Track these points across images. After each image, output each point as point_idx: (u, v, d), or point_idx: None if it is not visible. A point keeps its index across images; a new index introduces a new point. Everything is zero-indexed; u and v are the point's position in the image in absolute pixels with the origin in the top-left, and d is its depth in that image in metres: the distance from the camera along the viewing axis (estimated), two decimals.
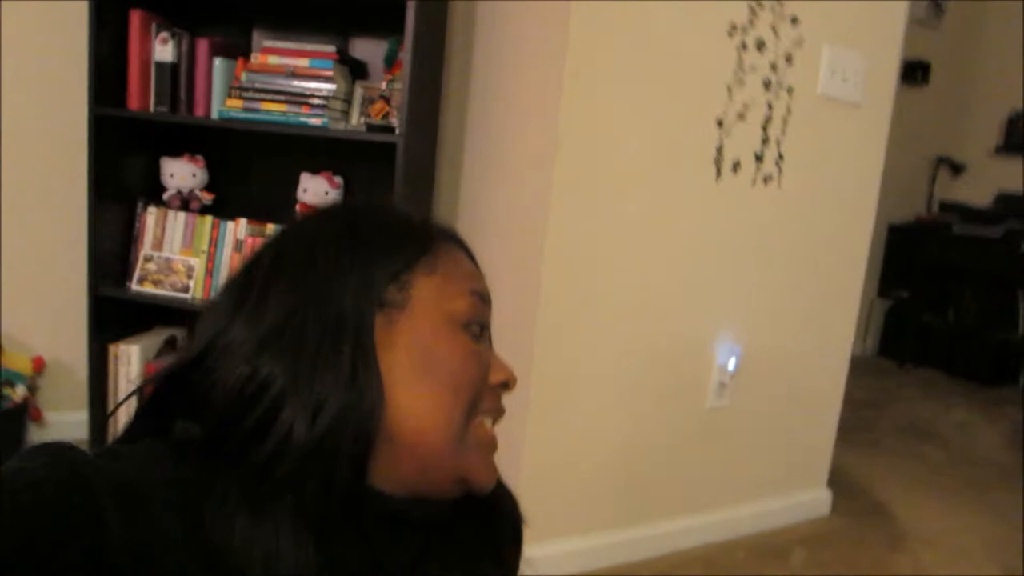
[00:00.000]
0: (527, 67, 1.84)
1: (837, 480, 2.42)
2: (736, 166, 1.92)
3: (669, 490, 2.06)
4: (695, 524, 2.07)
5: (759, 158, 1.95)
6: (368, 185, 2.15)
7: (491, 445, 0.56)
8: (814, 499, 2.35)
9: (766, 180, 1.98)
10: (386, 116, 1.89)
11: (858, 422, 2.37)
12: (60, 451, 0.42)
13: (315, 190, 2.09)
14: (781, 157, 1.98)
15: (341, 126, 1.96)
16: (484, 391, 0.55)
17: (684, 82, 1.80)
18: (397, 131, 1.83)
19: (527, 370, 1.77)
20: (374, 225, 0.56)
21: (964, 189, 4.40)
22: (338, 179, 2.12)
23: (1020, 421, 3.61)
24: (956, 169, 4.44)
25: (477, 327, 0.55)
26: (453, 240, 0.60)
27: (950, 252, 4.16)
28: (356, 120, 2.00)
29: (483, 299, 0.56)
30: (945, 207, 4.30)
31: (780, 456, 2.25)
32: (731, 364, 2.05)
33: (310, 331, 0.49)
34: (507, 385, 0.57)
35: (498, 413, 0.57)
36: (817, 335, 2.24)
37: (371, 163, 2.14)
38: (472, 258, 0.61)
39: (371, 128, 1.89)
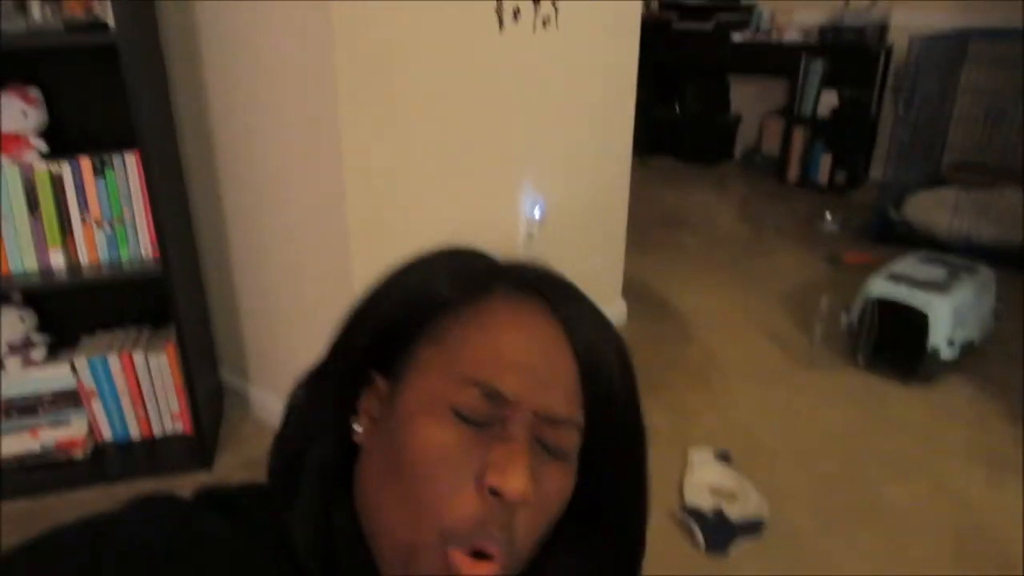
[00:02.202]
0: None
1: (624, 287, 2.66)
2: (516, 13, 1.80)
3: None
4: None
5: (536, 0, 1.85)
6: (80, 93, 1.70)
7: None
8: (614, 313, 2.59)
9: (545, 23, 1.90)
10: (89, 9, 1.45)
11: None
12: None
13: (8, 113, 1.61)
14: None
15: (22, 25, 1.48)
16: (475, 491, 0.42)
17: None
18: (111, 27, 1.42)
19: (344, 270, 1.65)
20: (405, 276, 0.50)
21: None
22: (34, 93, 1.64)
23: (742, 194, 4.23)
24: None
25: (480, 417, 0.44)
26: (525, 291, 0.48)
27: (672, 48, 4.48)
28: (39, 13, 1.52)
29: (491, 397, 0.43)
30: (664, 5, 4.54)
31: (584, 284, 2.40)
32: (536, 213, 2.08)
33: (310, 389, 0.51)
34: (495, 492, 0.41)
35: (485, 536, 0.42)
36: (603, 160, 2.34)
37: (75, 64, 1.68)
38: (560, 307, 0.49)
39: (73, 28, 1.45)
